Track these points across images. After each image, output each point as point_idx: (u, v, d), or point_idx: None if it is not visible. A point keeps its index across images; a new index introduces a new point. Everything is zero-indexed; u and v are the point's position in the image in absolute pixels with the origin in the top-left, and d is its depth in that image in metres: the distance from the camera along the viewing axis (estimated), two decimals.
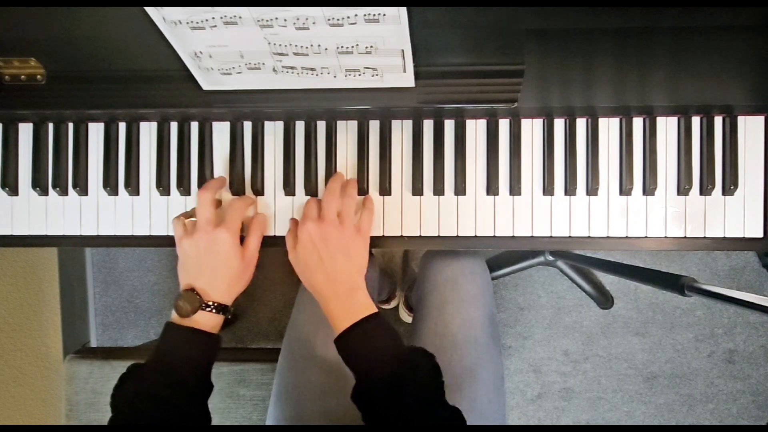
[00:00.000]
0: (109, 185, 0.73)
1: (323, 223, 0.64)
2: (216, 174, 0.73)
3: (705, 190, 0.70)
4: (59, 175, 0.74)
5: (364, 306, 0.63)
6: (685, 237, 0.70)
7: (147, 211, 0.74)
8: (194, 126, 0.73)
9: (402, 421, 0.56)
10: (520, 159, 0.71)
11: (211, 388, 0.65)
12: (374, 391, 0.58)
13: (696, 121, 0.70)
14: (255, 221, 0.70)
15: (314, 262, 0.64)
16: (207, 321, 0.64)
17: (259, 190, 0.73)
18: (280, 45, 0.57)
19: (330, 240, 0.64)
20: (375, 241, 0.72)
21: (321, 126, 0.72)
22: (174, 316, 0.64)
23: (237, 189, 0.72)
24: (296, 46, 0.56)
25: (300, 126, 0.72)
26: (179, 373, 0.61)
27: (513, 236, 0.71)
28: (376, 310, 0.63)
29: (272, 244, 0.72)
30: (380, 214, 0.72)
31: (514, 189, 0.71)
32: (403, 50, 0.57)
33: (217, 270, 0.65)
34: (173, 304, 0.64)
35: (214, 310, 0.64)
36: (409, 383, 0.57)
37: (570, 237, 0.71)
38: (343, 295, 0.63)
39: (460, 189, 0.71)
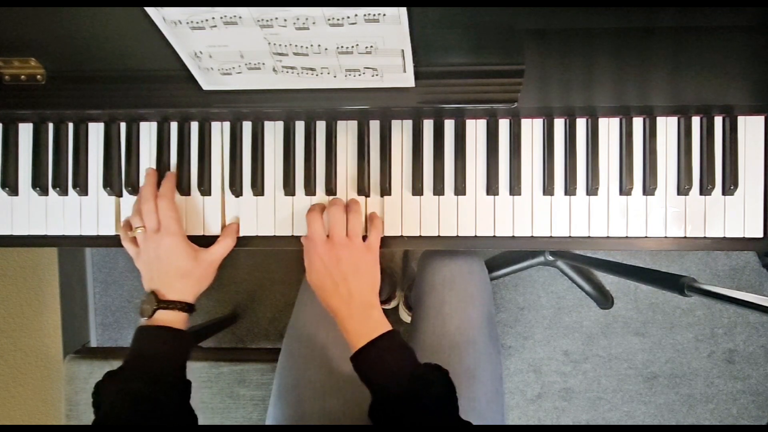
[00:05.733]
0: (110, 185, 0.73)
1: (333, 245, 0.65)
2: (215, 174, 0.73)
3: (705, 190, 0.70)
4: (59, 175, 0.74)
5: (379, 324, 0.64)
6: (685, 237, 0.70)
7: None
8: (194, 126, 0.73)
9: None
10: (520, 159, 0.71)
11: (188, 386, 0.66)
12: (390, 408, 0.59)
13: (696, 121, 0.70)
14: (226, 230, 0.72)
15: (329, 285, 0.65)
16: (168, 318, 0.66)
17: (259, 190, 0.73)
18: (280, 45, 0.56)
19: (342, 261, 0.65)
20: None
21: (321, 126, 0.72)
22: (141, 321, 0.67)
23: (237, 189, 0.73)
24: (296, 46, 0.56)
25: (300, 126, 0.72)
26: (155, 368, 0.63)
27: (513, 236, 0.71)
28: (390, 327, 0.64)
29: (272, 245, 0.72)
30: (380, 214, 0.72)
31: (514, 189, 0.71)
32: (403, 50, 0.57)
33: (168, 271, 0.67)
34: (138, 310, 0.68)
35: (173, 308, 0.66)
36: (424, 398, 0.58)
37: (570, 237, 0.71)
38: (359, 315, 0.64)
39: (460, 189, 0.71)
